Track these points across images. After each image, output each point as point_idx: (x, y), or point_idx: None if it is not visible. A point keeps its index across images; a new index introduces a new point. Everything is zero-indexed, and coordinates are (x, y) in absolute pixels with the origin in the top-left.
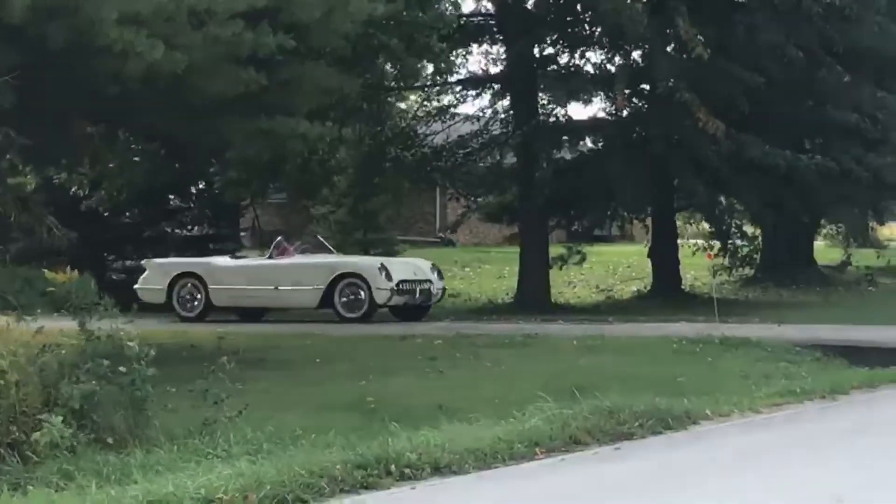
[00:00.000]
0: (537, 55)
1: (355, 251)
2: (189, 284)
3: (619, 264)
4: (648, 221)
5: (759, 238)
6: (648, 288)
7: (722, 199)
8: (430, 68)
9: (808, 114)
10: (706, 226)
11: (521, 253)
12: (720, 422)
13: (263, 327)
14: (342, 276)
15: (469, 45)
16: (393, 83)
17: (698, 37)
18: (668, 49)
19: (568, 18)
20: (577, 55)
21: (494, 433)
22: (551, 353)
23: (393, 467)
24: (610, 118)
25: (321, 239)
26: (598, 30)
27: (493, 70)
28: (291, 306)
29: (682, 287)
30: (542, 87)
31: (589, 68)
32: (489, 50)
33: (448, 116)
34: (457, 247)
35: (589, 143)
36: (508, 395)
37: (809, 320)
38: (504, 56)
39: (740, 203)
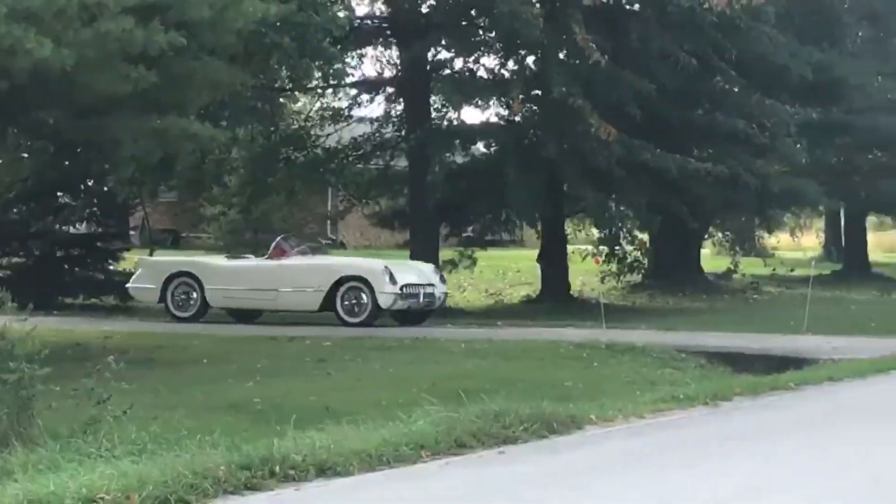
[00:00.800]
0: (431, 59)
1: (246, 252)
2: (184, 284)
3: (510, 269)
4: (539, 226)
5: (648, 244)
6: (537, 293)
7: (612, 204)
8: (322, 70)
9: (699, 120)
10: (596, 231)
11: (411, 257)
12: (604, 427)
13: (152, 326)
14: (344, 279)
15: (363, 49)
16: (286, 84)
17: (591, 44)
18: (564, 55)
19: (463, 23)
20: (471, 60)
21: (380, 435)
22: (439, 357)
23: (277, 468)
24: (503, 123)
25: (320, 240)
26: (493, 35)
27: (388, 73)
28: (291, 309)
29: (571, 292)
30: (435, 91)
31: (483, 73)
32: (383, 53)
33: (341, 119)
34: (347, 249)
35: (481, 147)
36: (395, 397)
37: (695, 327)
38: (398, 60)
39: (630, 208)
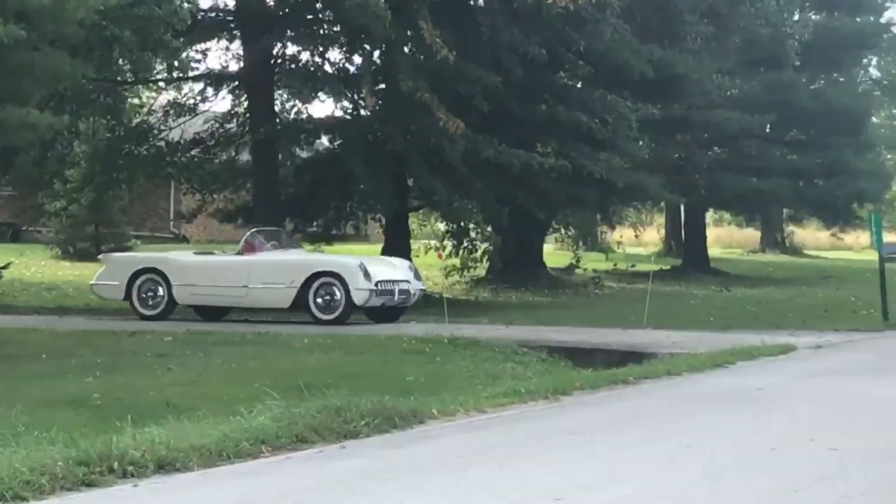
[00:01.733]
0: (277, 53)
1: (88, 246)
2: (150, 281)
3: None
4: (384, 221)
5: (492, 239)
6: None
7: (458, 198)
8: (166, 63)
9: (542, 115)
10: (440, 226)
11: None
12: (446, 421)
13: None
14: (317, 274)
15: (207, 42)
16: (128, 77)
17: (437, 39)
18: (411, 49)
19: (308, 17)
20: (317, 54)
21: (221, 430)
22: (282, 351)
23: (116, 465)
24: (348, 117)
25: (290, 235)
26: (339, 29)
27: (233, 67)
28: (262, 306)
29: None
30: (281, 85)
31: (328, 67)
32: (229, 47)
33: (185, 112)
34: (190, 243)
35: (326, 141)
36: (237, 392)
37: (537, 322)
38: (242, 53)
39: (476, 203)
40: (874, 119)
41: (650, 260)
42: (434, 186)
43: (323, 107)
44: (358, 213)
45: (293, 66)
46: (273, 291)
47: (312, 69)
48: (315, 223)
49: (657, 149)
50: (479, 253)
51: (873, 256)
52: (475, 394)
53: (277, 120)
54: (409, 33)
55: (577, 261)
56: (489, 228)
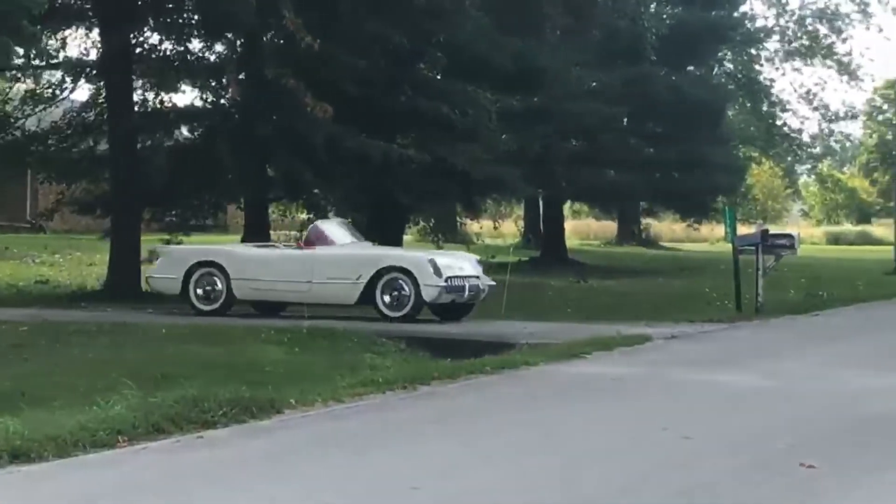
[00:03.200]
0: (136, 41)
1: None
2: (208, 275)
3: None
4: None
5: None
6: None
7: (320, 187)
8: (22, 51)
9: (403, 106)
10: (302, 216)
11: (113, 242)
12: (304, 411)
13: None
14: (385, 269)
15: (65, 30)
16: None
17: (302, 28)
18: (275, 37)
19: (169, 5)
20: (178, 42)
21: (77, 421)
22: (140, 342)
23: None
24: (209, 106)
25: (352, 226)
26: (201, 17)
27: (92, 55)
28: (326, 302)
29: None
30: (140, 74)
31: (190, 56)
32: (88, 35)
33: (43, 101)
34: (48, 233)
35: (185, 131)
36: (95, 382)
37: None
38: (100, 42)
39: (338, 193)
40: (729, 113)
41: (509, 252)
42: (298, 175)
43: (184, 96)
44: (219, 202)
45: (154, 55)
46: (338, 287)
47: (174, 58)
48: (174, 213)
49: (517, 141)
50: None
51: (728, 248)
52: (333, 384)
53: (137, 109)
54: (271, 21)
55: None
56: (349, 220)
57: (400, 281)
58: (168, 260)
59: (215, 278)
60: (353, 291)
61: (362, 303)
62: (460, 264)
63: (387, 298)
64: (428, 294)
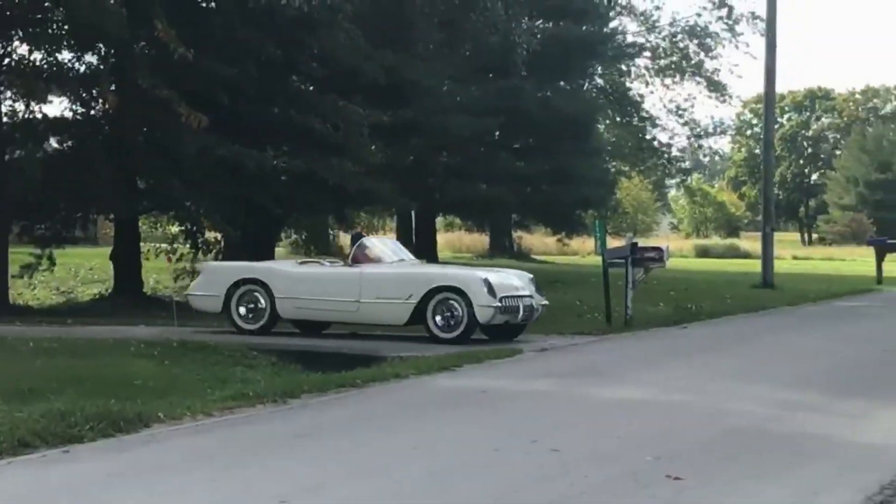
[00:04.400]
0: (4, 52)
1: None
2: (250, 293)
3: (82, 266)
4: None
5: (223, 243)
6: (110, 291)
7: (192, 199)
8: None
9: (275, 118)
10: (172, 229)
11: None
12: (173, 425)
13: None
14: (438, 289)
15: None
16: None
17: (175, 38)
18: (146, 47)
19: (38, 16)
20: (49, 53)
21: None
22: (6, 356)
23: None
24: (81, 118)
25: (399, 244)
26: (71, 28)
27: None
28: (375, 322)
29: (144, 290)
30: (9, 84)
31: (61, 66)
32: None
33: None
34: None
35: (54, 143)
36: None
37: None
38: None
39: (209, 205)
40: (600, 127)
41: None
42: (168, 186)
43: (54, 107)
44: (90, 215)
45: (22, 65)
46: (388, 306)
47: (44, 69)
48: (44, 225)
49: (390, 154)
50: (213, 255)
51: (598, 261)
52: (203, 397)
53: (5, 120)
54: (143, 32)
55: None
56: (219, 234)
57: (452, 301)
58: (208, 277)
59: (258, 295)
60: (404, 312)
61: (412, 323)
62: (514, 283)
63: (438, 319)
64: (482, 315)
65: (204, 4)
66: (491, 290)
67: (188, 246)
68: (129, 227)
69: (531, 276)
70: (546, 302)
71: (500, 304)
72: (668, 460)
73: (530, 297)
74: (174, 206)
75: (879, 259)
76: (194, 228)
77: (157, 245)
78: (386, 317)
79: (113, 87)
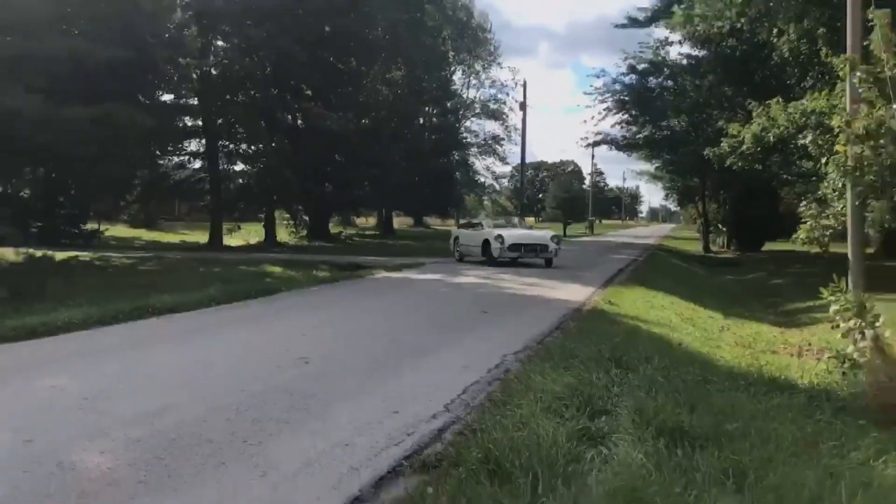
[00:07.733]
0: None
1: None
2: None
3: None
4: None
5: None
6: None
7: None
8: None
9: None
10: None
11: None
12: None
13: None
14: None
15: None
16: None
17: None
18: None
19: None
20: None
21: None
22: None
23: None
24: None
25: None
26: None
27: None
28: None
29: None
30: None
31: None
32: None
33: None
34: None
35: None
36: None
37: None
38: None
39: None
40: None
41: None
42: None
43: None
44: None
45: None
46: (475, 249)
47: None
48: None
49: None
50: None
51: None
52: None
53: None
54: None
55: None
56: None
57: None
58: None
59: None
60: (477, 250)
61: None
62: (533, 235)
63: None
64: (494, 252)
65: None
66: (500, 239)
67: None
68: None
69: (553, 233)
70: (559, 247)
71: (503, 247)
72: None
73: (545, 245)
74: None
75: None
76: None
77: None
78: (474, 252)
79: None
